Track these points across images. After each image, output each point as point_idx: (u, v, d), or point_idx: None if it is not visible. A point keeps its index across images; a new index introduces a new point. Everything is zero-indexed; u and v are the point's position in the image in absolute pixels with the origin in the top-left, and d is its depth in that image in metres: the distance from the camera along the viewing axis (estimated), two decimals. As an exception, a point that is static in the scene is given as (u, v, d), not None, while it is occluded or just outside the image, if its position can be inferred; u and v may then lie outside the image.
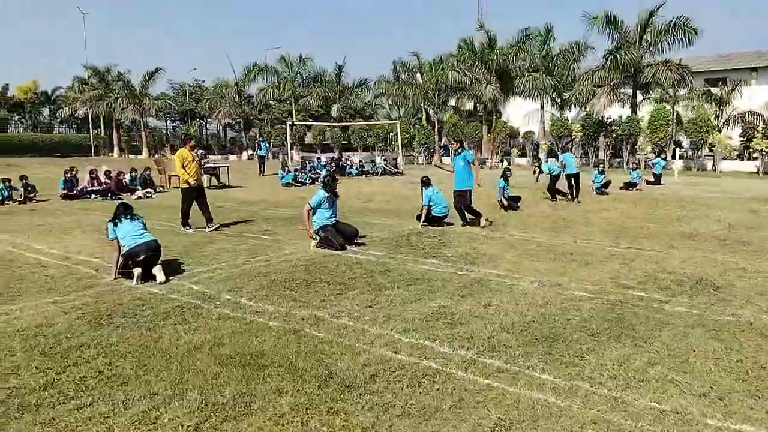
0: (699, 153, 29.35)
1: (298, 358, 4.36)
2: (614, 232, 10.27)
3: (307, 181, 21.34)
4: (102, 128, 54.14)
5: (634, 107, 31.58)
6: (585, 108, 32.37)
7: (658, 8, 29.33)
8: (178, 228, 10.46)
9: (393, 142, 39.24)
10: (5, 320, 5.33)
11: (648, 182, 20.61)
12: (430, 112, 43.23)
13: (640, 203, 15.02)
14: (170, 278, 6.82)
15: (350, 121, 42.95)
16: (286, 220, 11.92)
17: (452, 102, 41.54)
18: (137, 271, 6.68)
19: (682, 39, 28.88)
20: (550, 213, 13.08)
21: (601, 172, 18.14)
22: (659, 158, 22.73)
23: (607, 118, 31.79)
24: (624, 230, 10.51)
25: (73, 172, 16.82)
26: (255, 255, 8.29)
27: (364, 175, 26.57)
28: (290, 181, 20.65)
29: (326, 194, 8.73)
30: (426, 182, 10.79)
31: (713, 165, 29.80)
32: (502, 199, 13.37)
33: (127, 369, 4.19)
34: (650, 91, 32.26)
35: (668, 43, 29.40)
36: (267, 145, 26.32)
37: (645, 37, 30.06)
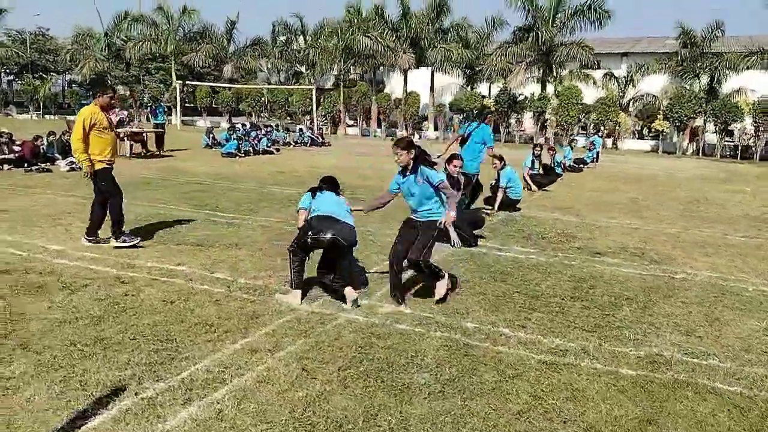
0: (602, 132, 30.82)
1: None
2: (690, 217, 9.75)
3: (250, 151, 18.66)
4: None
5: (543, 85, 32.37)
6: (502, 82, 32.47)
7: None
8: (82, 239, 6.46)
9: (300, 109, 36.92)
10: (252, 386, 3.20)
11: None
12: (311, 79, 41.08)
13: (630, 182, 14.89)
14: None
15: (243, 83, 39.30)
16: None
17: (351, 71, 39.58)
18: (296, 295, 4.68)
19: (594, 21, 29.92)
20: (572, 195, 12.36)
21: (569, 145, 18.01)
22: (597, 136, 23.29)
23: (520, 95, 32.27)
24: (695, 215, 10.05)
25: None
26: (377, 249, 6.43)
27: (288, 145, 24.04)
28: (232, 151, 17.89)
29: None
30: (503, 160, 9.45)
31: (613, 143, 31.62)
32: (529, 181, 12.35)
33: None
34: (554, 71, 33.16)
35: (581, 24, 30.32)
36: (164, 110, 21.72)
37: (558, 16, 30.74)
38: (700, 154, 28.91)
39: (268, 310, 4.58)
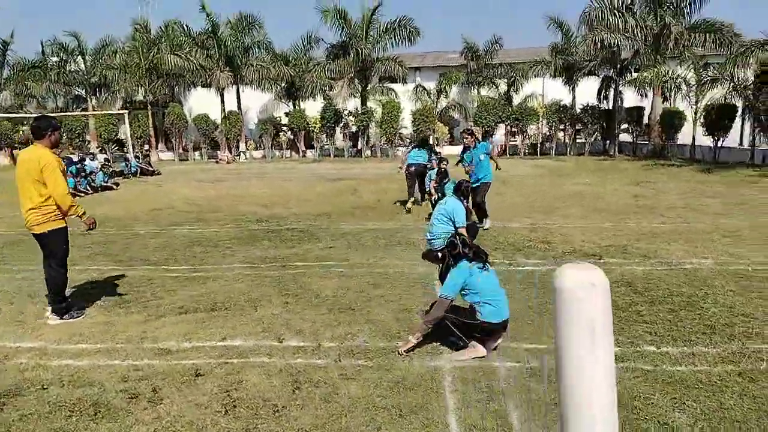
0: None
1: None
2: (600, 211, 10.68)
3: (88, 190, 15.98)
4: None
5: (364, 99, 33.25)
6: (325, 98, 32.54)
7: (378, 7, 31.32)
8: (48, 315, 5.22)
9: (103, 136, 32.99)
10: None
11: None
12: (92, 103, 37.20)
13: (498, 185, 15.94)
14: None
15: (24, 112, 33.71)
16: (272, 235, 8.79)
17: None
18: (474, 345, 4.12)
19: (405, 38, 31.59)
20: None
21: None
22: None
23: (344, 110, 32.74)
24: (598, 209, 11.04)
25: None
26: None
27: (118, 177, 21.13)
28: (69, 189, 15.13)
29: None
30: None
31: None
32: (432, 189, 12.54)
33: None
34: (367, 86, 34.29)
35: (392, 41, 31.76)
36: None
37: (371, 33, 31.86)
38: (507, 154, 32.27)
39: (409, 374, 3.90)
